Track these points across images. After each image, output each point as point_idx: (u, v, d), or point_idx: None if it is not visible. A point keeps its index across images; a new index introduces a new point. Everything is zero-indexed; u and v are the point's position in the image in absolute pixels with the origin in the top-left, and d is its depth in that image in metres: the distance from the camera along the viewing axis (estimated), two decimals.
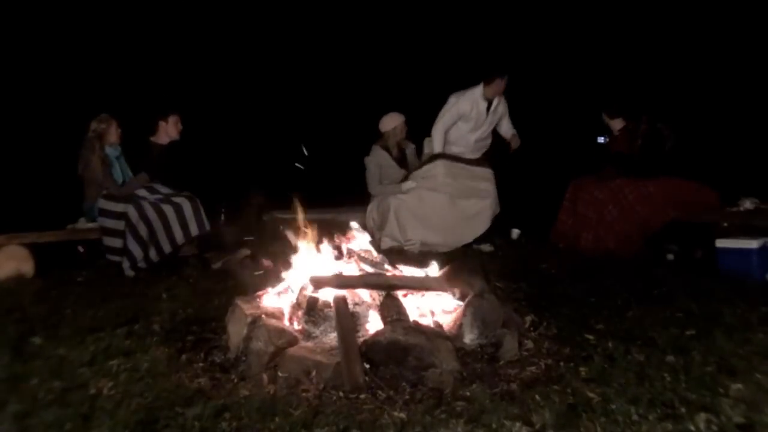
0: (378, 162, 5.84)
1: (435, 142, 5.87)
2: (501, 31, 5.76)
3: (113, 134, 5.43)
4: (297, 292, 3.17)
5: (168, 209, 5.08)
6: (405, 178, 5.85)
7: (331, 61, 10.05)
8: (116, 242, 5.06)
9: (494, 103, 5.85)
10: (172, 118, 5.59)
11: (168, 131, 5.59)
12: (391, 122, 5.85)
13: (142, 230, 5.00)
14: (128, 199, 5.11)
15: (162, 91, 8.39)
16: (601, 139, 5.95)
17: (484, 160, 6.01)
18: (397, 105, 6.05)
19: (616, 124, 5.71)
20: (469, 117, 5.81)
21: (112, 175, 5.35)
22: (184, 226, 5.13)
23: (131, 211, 4.99)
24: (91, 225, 5.35)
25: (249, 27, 10.02)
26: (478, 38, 5.77)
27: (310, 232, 3.41)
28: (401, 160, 5.94)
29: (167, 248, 5.09)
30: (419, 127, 6.05)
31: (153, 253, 5.05)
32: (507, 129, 6.09)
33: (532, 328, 3.29)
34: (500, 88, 5.80)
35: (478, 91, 5.81)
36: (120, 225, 5.03)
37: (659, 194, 5.21)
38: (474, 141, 5.95)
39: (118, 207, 5.08)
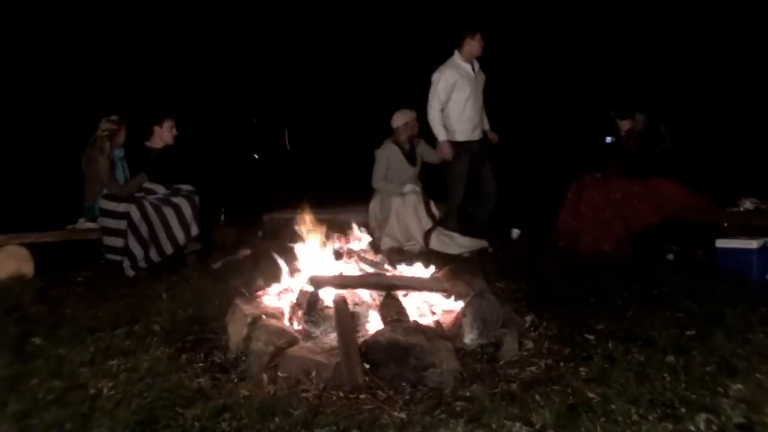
0: (388, 156, 5.82)
1: (435, 127, 5.59)
2: (506, 31, 5.71)
3: (122, 136, 5.46)
4: (297, 292, 3.18)
5: (168, 210, 5.11)
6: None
7: (336, 59, 10.02)
8: (117, 242, 5.06)
9: (475, 66, 5.71)
10: (166, 123, 5.59)
11: (162, 136, 5.60)
12: (403, 118, 5.83)
13: (144, 230, 5.01)
14: (130, 199, 5.12)
15: (161, 92, 8.37)
16: (609, 139, 5.92)
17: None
18: (405, 102, 6.01)
19: (625, 125, 5.71)
20: (462, 82, 5.58)
21: (115, 176, 5.36)
22: (185, 226, 5.16)
23: (133, 211, 5.00)
24: (90, 225, 5.34)
25: (253, 24, 9.99)
26: (486, 37, 5.66)
27: (315, 232, 3.41)
28: (411, 157, 5.93)
29: (168, 249, 5.11)
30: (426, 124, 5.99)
31: (154, 253, 5.06)
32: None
33: (532, 328, 3.29)
34: (474, 48, 5.59)
35: (454, 58, 5.67)
36: (122, 225, 5.02)
37: (651, 195, 5.24)
38: (475, 111, 5.66)
39: (120, 207, 5.09)
